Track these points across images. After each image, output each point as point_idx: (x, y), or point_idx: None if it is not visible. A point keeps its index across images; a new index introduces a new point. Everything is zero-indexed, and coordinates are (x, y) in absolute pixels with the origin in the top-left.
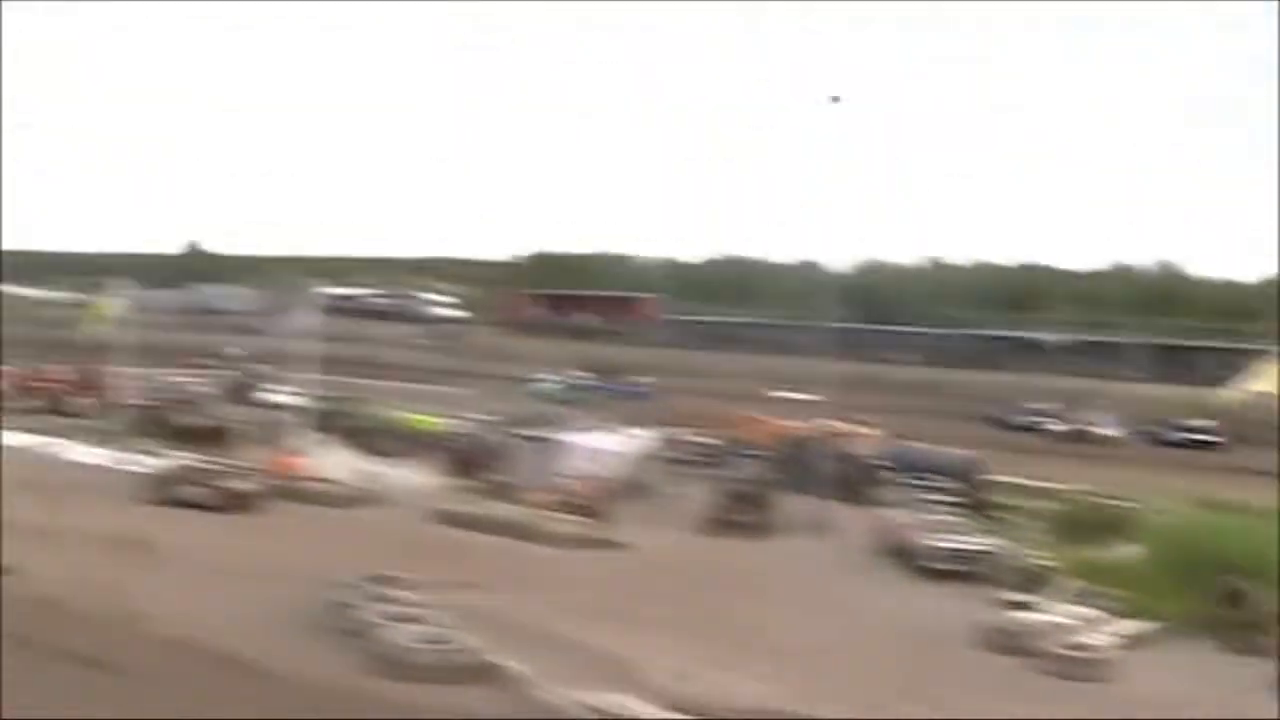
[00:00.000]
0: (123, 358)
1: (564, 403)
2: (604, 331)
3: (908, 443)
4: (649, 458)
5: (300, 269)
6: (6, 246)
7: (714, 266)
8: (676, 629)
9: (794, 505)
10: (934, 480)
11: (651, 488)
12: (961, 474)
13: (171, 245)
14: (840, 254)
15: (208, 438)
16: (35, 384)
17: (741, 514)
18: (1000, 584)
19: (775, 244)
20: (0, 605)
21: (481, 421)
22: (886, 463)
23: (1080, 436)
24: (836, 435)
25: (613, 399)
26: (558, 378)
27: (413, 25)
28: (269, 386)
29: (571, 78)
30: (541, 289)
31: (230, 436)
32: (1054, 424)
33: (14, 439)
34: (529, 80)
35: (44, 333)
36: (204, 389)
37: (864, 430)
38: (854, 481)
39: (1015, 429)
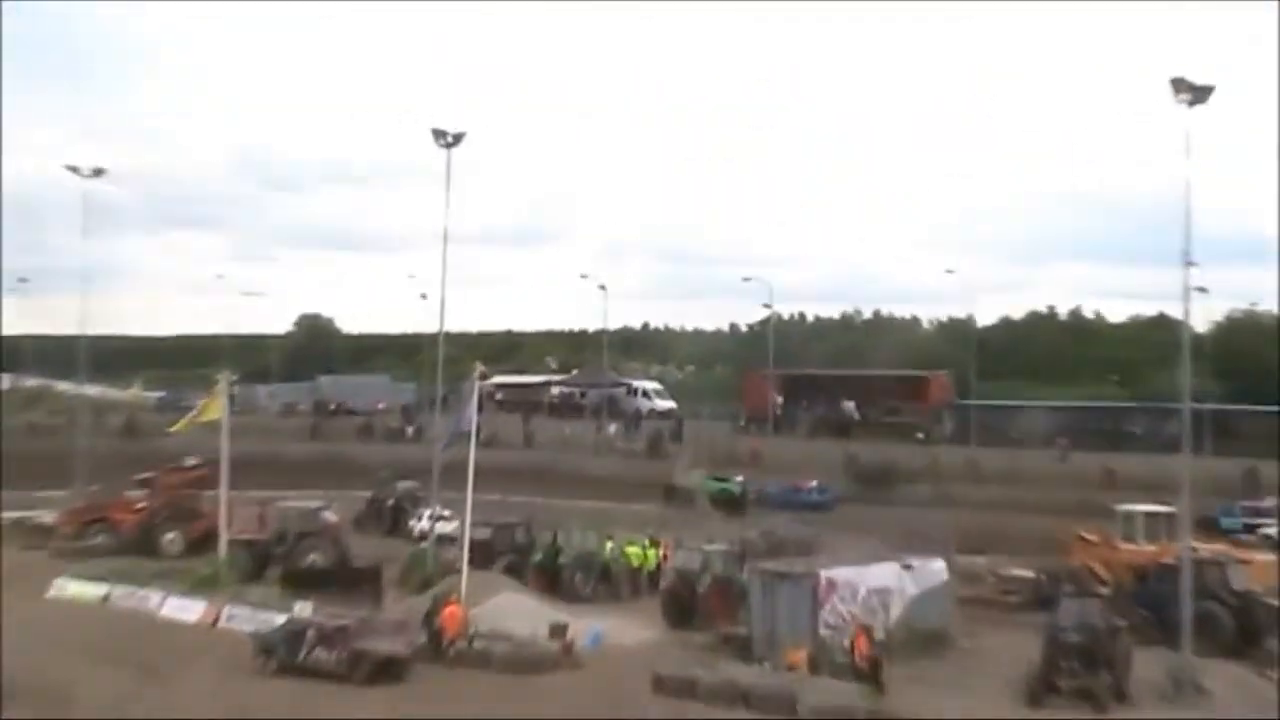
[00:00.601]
0: (226, 475)
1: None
2: (873, 424)
3: None
4: (942, 597)
5: (457, 349)
6: (70, 332)
7: (1016, 328)
8: None
9: (1154, 662)
10: None
11: (948, 638)
12: None
13: (282, 322)
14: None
15: (341, 582)
16: (111, 515)
17: (1079, 676)
18: None
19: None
20: None
21: (710, 552)
22: None
23: None
24: (1211, 563)
25: (784, 508)
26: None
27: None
28: (420, 511)
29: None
30: (786, 368)
31: (370, 580)
32: (1271, 526)
33: (85, 589)
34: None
35: (121, 445)
36: (333, 517)
37: (1252, 554)
38: (1241, 628)
39: (1227, 532)
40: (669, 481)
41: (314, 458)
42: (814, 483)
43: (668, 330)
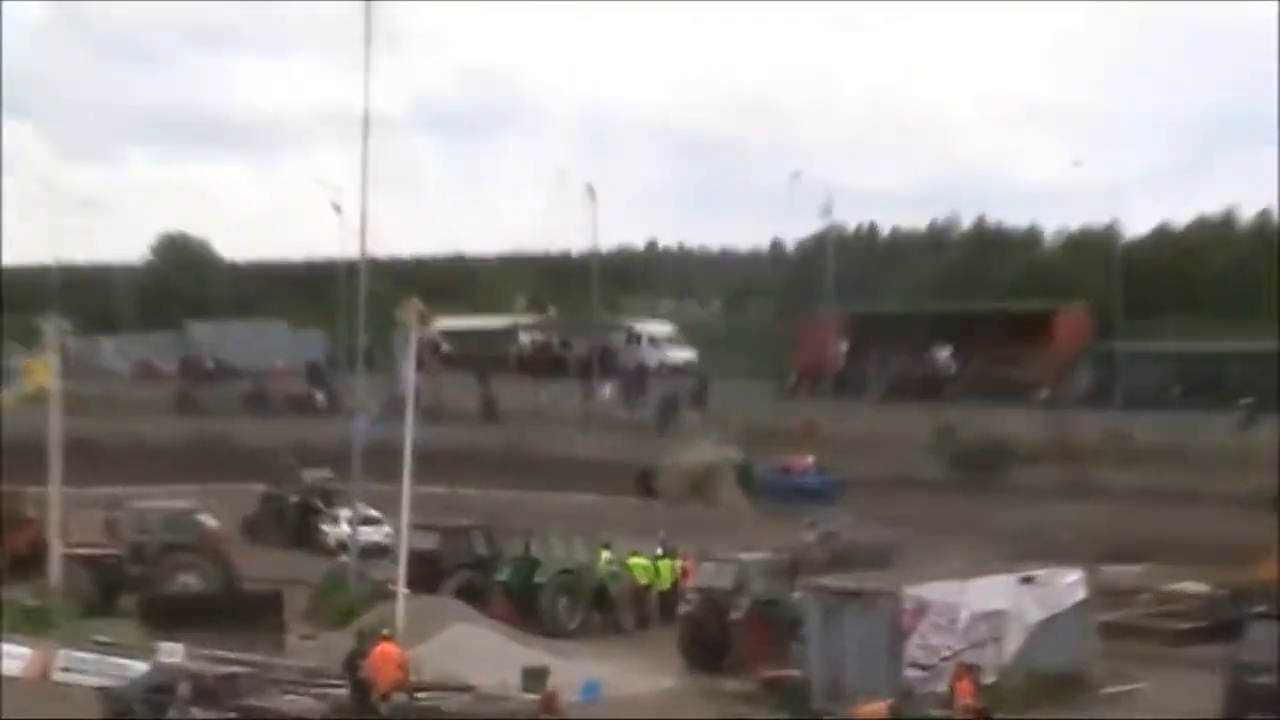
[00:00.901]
0: (58, 466)
1: None
2: (977, 380)
3: None
4: (1077, 623)
5: (386, 283)
6: None
7: (1179, 241)
8: None
9: None
10: None
11: (1086, 681)
12: None
13: (135, 247)
14: None
15: (225, 614)
16: None
17: None
18: None
19: None
20: None
21: (748, 564)
22: None
23: None
24: None
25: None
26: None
27: None
28: (337, 511)
29: None
30: (852, 303)
31: (267, 610)
32: None
33: None
34: None
35: None
36: (212, 521)
37: None
38: None
39: None
40: (652, 462)
41: (184, 439)
42: (810, 460)
43: (683, 252)
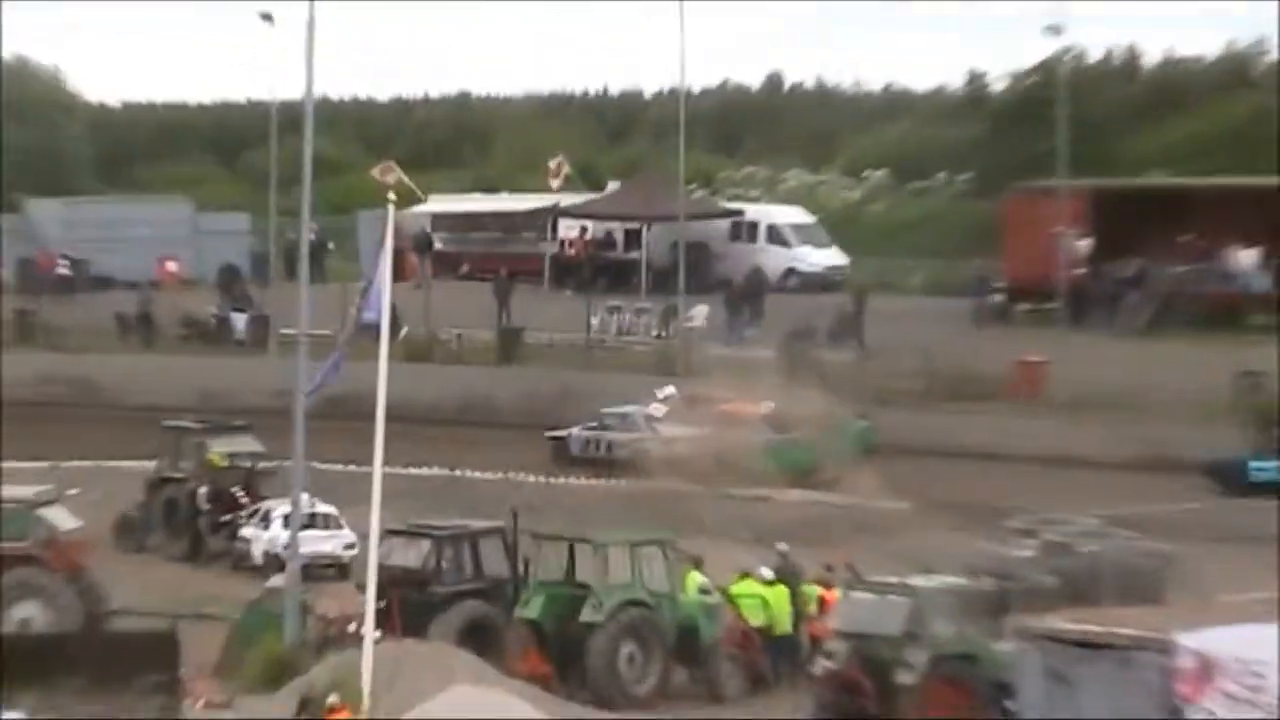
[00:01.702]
0: None
1: None
2: None
3: None
4: None
5: (345, 141)
6: None
7: None
8: None
9: None
10: None
11: None
12: None
13: None
14: None
15: (91, 664)
16: None
17: None
18: None
19: None
20: None
21: (927, 593)
22: None
23: None
24: None
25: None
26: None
27: None
28: (264, 505)
29: None
30: (1098, 175)
31: (157, 660)
32: None
33: None
34: None
35: None
36: (69, 521)
37: None
38: None
39: None
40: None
41: (26, 386)
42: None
43: (824, 92)
